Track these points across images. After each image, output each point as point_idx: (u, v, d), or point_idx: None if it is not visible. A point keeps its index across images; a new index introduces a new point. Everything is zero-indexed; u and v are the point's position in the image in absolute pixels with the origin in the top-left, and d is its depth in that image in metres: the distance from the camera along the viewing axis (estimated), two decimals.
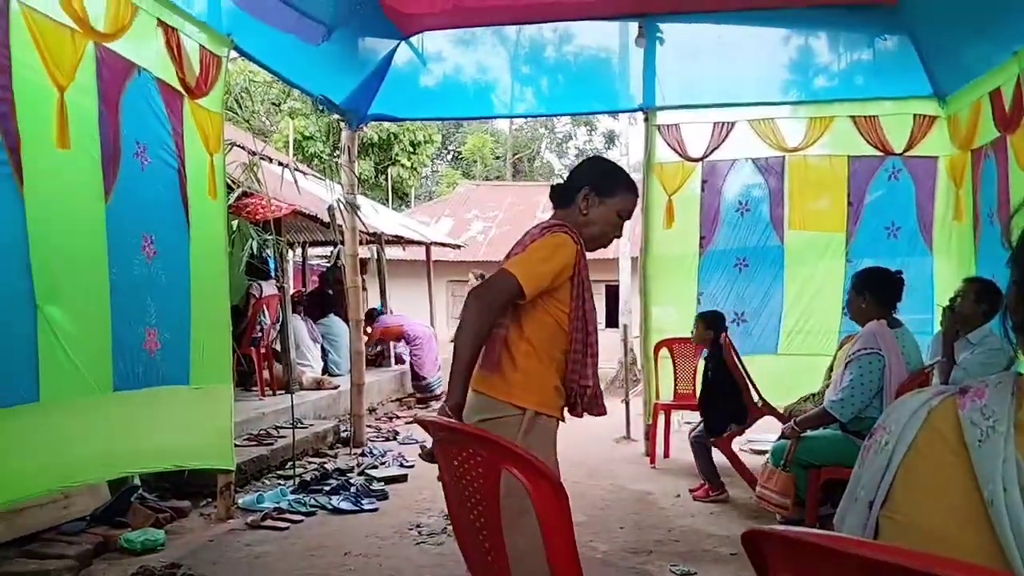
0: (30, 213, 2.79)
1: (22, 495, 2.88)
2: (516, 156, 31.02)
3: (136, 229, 3.44)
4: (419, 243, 11.46)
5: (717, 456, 4.77)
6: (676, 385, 6.06)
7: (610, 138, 31.13)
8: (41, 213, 2.84)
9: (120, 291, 3.29)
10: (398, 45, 6.02)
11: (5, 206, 2.71)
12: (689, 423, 7.03)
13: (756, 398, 4.75)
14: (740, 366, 4.72)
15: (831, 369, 4.84)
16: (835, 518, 1.36)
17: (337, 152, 9.66)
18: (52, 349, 2.88)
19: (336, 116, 6.18)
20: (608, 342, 17.13)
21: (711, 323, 4.87)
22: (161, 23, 3.60)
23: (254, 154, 5.80)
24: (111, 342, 3.25)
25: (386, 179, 18.17)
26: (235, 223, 5.44)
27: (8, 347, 2.72)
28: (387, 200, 16.67)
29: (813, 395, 4.91)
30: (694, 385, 5.95)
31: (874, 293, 3.62)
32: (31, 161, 2.80)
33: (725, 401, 4.64)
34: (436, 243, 12.08)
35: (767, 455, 3.90)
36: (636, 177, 11.72)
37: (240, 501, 4.48)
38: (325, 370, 8.15)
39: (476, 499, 1.55)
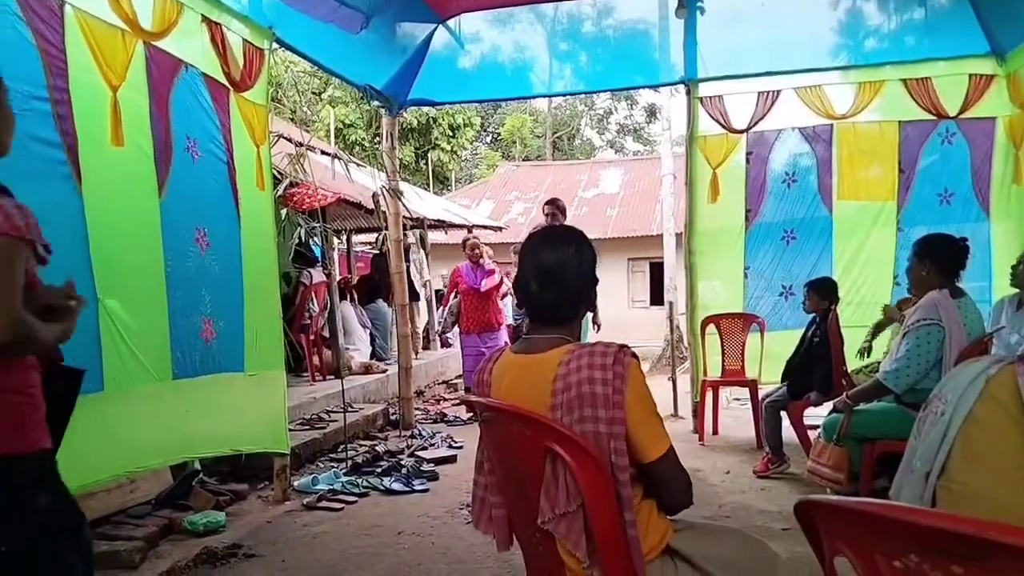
0: (89, 210, 2.90)
1: (90, 480, 3.00)
2: (556, 135, 30.83)
3: (190, 222, 3.54)
4: (461, 226, 11.53)
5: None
6: (724, 361, 5.99)
7: (651, 112, 30.69)
8: (99, 209, 2.94)
9: (176, 283, 3.40)
10: (435, 29, 6.03)
11: (65, 204, 2.82)
12: (738, 399, 6.97)
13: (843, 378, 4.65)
14: (841, 340, 4.64)
15: (875, 328, 4.70)
16: (891, 490, 1.34)
17: (378, 139, 9.76)
18: (113, 340, 2.99)
19: (376, 103, 6.22)
20: (653, 319, 16.87)
21: (826, 292, 4.79)
22: (205, 19, 3.68)
23: (300, 144, 5.90)
24: (169, 332, 3.37)
25: (426, 163, 18.27)
26: (283, 213, 5.55)
27: (73, 340, 2.82)
28: (428, 184, 16.77)
29: (867, 366, 4.81)
30: (742, 361, 5.89)
31: (936, 261, 3.43)
32: (88, 159, 2.90)
33: (819, 368, 4.57)
34: (477, 226, 12.13)
35: (819, 429, 3.84)
36: (679, 151, 11.33)
37: (295, 483, 4.62)
38: (373, 354, 8.29)
39: (520, 470, 1.61)
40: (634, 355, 1.59)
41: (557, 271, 1.67)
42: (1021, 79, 5.10)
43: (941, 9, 5.57)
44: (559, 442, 1.47)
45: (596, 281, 1.75)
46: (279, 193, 5.49)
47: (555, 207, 6.26)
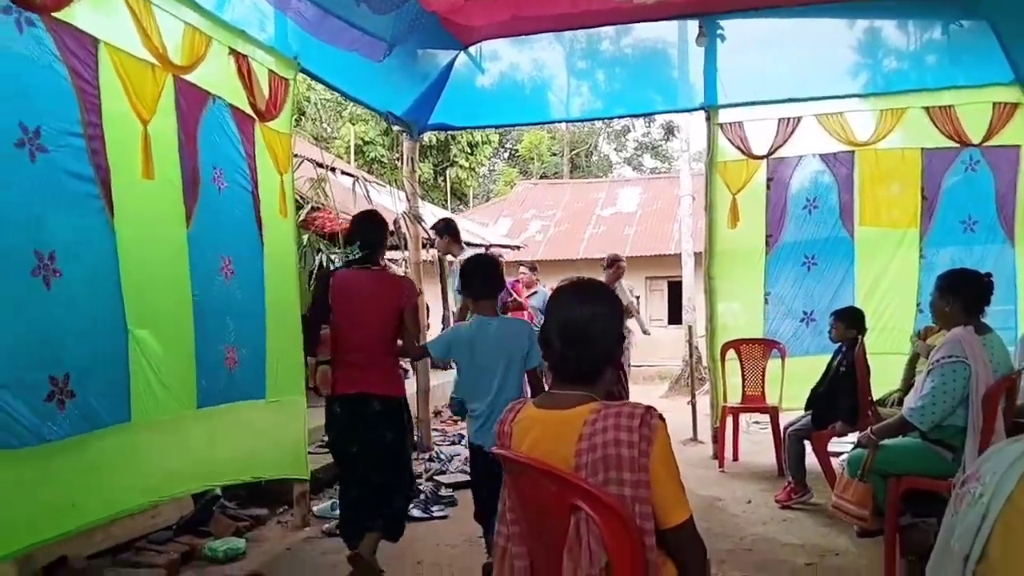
0: (120, 242, 2.94)
1: (117, 510, 3.02)
2: (573, 151, 30.88)
3: (215, 251, 3.58)
4: (478, 245, 11.56)
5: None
6: (744, 387, 5.95)
7: (669, 129, 30.69)
8: (130, 242, 2.99)
9: (202, 312, 3.44)
10: (457, 55, 6.08)
11: (99, 237, 2.87)
12: (758, 423, 6.91)
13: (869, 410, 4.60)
14: (867, 370, 4.60)
15: (911, 363, 4.66)
16: (928, 568, 1.33)
17: (397, 154, 9.81)
18: (142, 371, 3.03)
19: (397, 128, 6.28)
20: (671, 339, 16.75)
21: (852, 322, 4.76)
22: (232, 51, 3.74)
23: (321, 166, 5.97)
24: (195, 361, 3.40)
25: (445, 180, 18.37)
26: (305, 237, 5.60)
27: (104, 371, 2.87)
28: (446, 201, 16.85)
29: (891, 394, 4.76)
30: (763, 387, 5.85)
31: (960, 296, 3.38)
32: (120, 192, 2.95)
33: (845, 398, 4.53)
34: (495, 244, 12.17)
35: (841, 460, 3.79)
36: (697, 166, 11.31)
37: (315, 509, 4.63)
38: None
39: (546, 524, 1.60)
40: (661, 417, 1.57)
41: (583, 329, 1.66)
42: None
43: (964, 38, 5.55)
44: (585, 499, 1.47)
45: (623, 339, 1.74)
46: (301, 218, 5.55)
47: (435, 230, 5.61)
